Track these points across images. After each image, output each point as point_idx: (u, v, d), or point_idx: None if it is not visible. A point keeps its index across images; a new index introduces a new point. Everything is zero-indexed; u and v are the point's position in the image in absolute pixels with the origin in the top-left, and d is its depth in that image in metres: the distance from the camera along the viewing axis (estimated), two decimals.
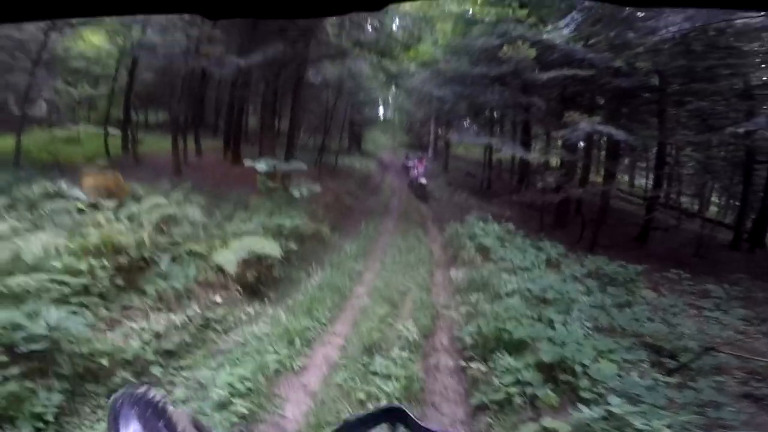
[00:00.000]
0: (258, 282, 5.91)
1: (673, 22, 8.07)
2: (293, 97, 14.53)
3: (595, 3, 8.98)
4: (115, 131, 15.06)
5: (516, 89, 12.78)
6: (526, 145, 16.27)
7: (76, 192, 6.09)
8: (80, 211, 6.20)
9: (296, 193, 7.32)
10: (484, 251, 7.82)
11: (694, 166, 15.67)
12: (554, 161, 11.75)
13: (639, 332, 5.44)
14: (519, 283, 6.12)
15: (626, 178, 23.59)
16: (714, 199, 18.63)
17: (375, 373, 4.18)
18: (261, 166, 7.36)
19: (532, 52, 10.23)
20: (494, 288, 6.04)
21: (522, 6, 11.53)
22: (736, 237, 13.85)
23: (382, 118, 32.54)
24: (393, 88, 23.76)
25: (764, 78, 11.13)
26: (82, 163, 9.42)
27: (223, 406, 3.38)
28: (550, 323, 5.00)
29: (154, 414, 0.75)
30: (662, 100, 11.78)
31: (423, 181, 16.43)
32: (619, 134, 9.58)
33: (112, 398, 0.78)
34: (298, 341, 4.66)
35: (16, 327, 3.30)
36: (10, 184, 9.20)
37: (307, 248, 7.80)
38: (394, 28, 14.16)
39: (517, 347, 4.51)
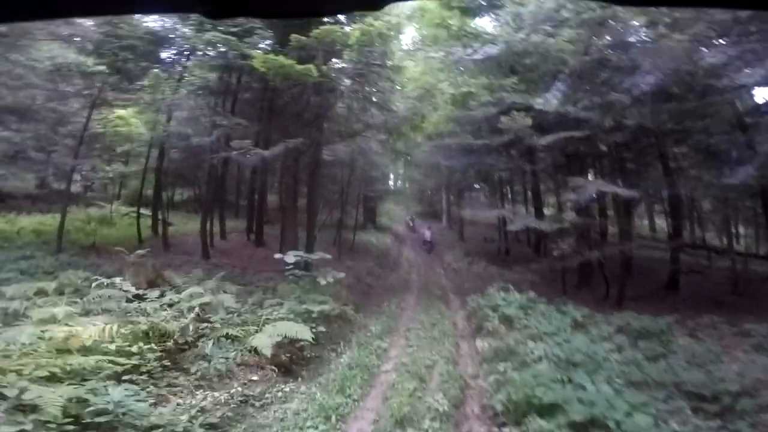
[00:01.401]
0: (291, 362, 6.16)
1: (648, 73, 8.73)
2: (310, 177, 15.47)
3: (571, 70, 9.83)
4: (145, 210, 15.89)
5: (519, 155, 13.54)
6: (537, 208, 16.74)
7: (125, 284, 6.62)
8: (128, 300, 6.68)
9: (322, 281, 7.85)
10: (507, 321, 7.95)
11: (711, 202, 15.51)
12: (567, 224, 12.06)
13: (675, 382, 5.38)
14: (545, 349, 6.22)
15: (645, 222, 23.25)
16: (741, 230, 17.86)
17: None
18: (289, 258, 7.96)
19: (528, 120, 11.00)
20: (521, 356, 6.14)
21: (513, 72, 12.54)
22: None
23: (393, 189, 33.77)
24: (402, 161, 25.01)
25: (743, 109, 11.52)
26: (116, 247, 10.07)
27: None
28: (580, 385, 5.07)
29: None
30: (660, 143, 12.14)
31: (428, 237, 21.92)
32: (624, 192, 9.97)
33: None
34: (333, 417, 4.82)
35: (82, 401, 3.66)
36: (55, 268, 9.88)
37: (334, 329, 8.05)
38: (399, 105, 15.35)
39: (548, 410, 4.58)
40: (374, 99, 13.99)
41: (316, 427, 4.54)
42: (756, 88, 10.62)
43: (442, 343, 7.83)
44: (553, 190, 16.15)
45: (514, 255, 18.93)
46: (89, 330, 4.80)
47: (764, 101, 11.28)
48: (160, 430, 3.85)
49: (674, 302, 11.30)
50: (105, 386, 4.04)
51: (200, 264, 11.77)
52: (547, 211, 18.00)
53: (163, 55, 15.59)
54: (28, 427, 3.26)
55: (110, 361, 4.44)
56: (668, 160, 12.69)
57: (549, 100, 10.01)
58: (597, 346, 6.39)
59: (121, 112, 13.33)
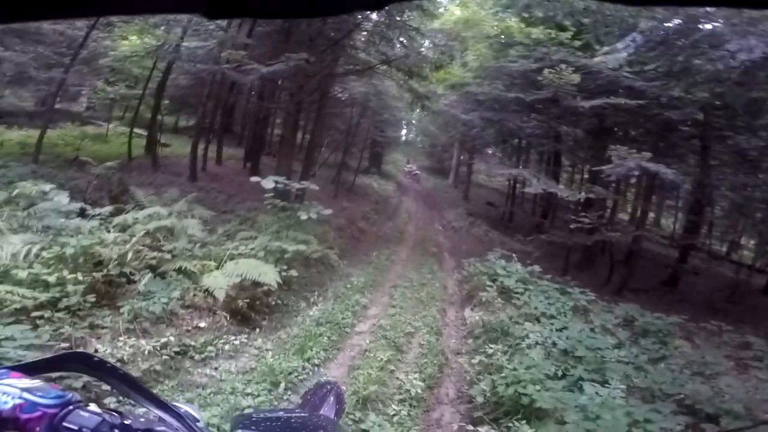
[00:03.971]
0: (250, 308, 5.36)
1: (747, 47, 7.17)
2: (317, 111, 14.27)
3: (657, 24, 8.27)
4: (143, 131, 15.06)
5: (552, 117, 12.13)
6: (555, 177, 15.54)
7: (62, 196, 5.67)
8: (77, 216, 5.80)
9: (304, 216, 6.81)
10: (505, 294, 7.11)
11: (725, 207, 14.72)
12: (584, 198, 10.97)
13: (678, 393, 4.66)
14: (543, 334, 5.43)
15: (651, 216, 22.53)
16: (743, 241, 17.48)
17: (367, 429, 3.55)
18: (267, 183, 6.88)
19: (576, 77, 9.62)
20: (514, 338, 5.34)
21: (564, 29, 10.90)
22: None
23: (404, 139, 32.17)
24: (418, 109, 23.46)
25: None
26: (101, 162, 9.17)
27: None
28: (578, 386, 4.31)
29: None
30: (705, 136, 10.98)
31: (414, 169, 24.99)
32: (668, 173, 8.78)
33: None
34: (282, 384, 4.06)
35: None
36: (21, 178, 9.06)
37: (312, 274, 7.24)
38: (426, 45, 13.65)
39: (537, 415, 3.82)
40: (400, 32, 12.34)
41: (257, 395, 3.76)
42: None
43: (429, 307, 7.05)
44: (580, 161, 14.87)
45: (517, 223, 18.08)
46: (1, 252, 3.92)
47: None
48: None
49: (671, 300, 10.94)
50: None
51: (184, 185, 10.89)
52: (561, 185, 16.88)
53: None
54: None
55: (17, 294, 3.57)
56: (709, 154, 11.43)
57: (616, 53, 8.49)
58: (599, 339, 5.60)
59: (126, 31, 12.35)
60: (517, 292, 7.01)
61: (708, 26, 8.32)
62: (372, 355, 5.03)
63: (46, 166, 10.75)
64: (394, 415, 3.89)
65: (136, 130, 14.18)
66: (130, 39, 12.47)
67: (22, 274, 3.79)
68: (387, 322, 6.13)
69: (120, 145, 14.80)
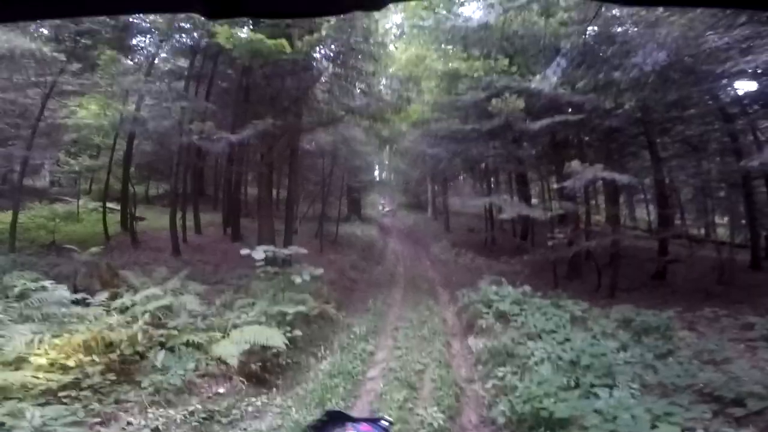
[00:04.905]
0: (263, 370, 5.43)
1: (654, 56, 8.18)
2: (289, 167, 14.60)
3: (575, 46, 9.22)
4: (115, 205, 14.87)
5: (508, 141, 12.94)
6: (525, 196, 16.24)
7: (61, 290, 5.70)
8: (75, 304, 5.81)
9: (298, 280, 7.03)
10: (502, 317, 7.35)
11: (691, 191, 15.55)
12: (560, 212, 11.56)
13: (694, 384, 4.86)
14: (547, 349, 5.64)
15: (626, 211, 23.32)
16: (718, 219, 18.31)
17: None
18: (258, 254, 7.11)
19: (521, 103, 10.39)
20: (520, 358, 5.54)
21: (504, 55, 11.88)
22: (754, 256, 13.26)
23: (378, 180, 32.89)
24: (387, 150, 24.22)
25: (735, 96, 11.27)
26: (78, 245, 9.10)
27: None
28: (592, 392, 4.50)
29: None
30: (649, 132, 11.89)
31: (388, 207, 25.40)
32: (623, 178, 9.47)
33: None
34: None
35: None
36: (5, 269, 8.85)
37: (314, 330, 7.32)
38: (383, 89, 14.42)
39: (561, 425, 3.99)
40: (357, 82, 13.09)
41: None
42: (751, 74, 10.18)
43: (433, 343, 7.17)
44: (543, 177, 15.66)
45: (500, 245, 18.52)
46: (14, 341, 3.96)
47: (746, 91, 10.90)
48: None
49: (664, 293, 11.17)
50: (32, 407, 3.27)
51: (169, 261, 10.88)
52: (534, 201, 17.59)
53: (133, 41, 14.53)
54: None
55: (41, 377, 3.67)
56: (656, 148, 12.38)
57: (548, 78, 9.33)
58: (601, 345, 5.84)
59: (83, 101, 12.40)
60: (513, 314, 7.26)
61: (619, 29, 9.35)
62: (388, 397, 5.12)
63: (23, 253, 10.54)
64: None
65: (107, 205, 14.06)
66: (88, 108, 12.42)
67: (41, 360, 3.90)
68: (396, 363, 6.23)
69: (93, 222, 14.53)
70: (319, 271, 7.68)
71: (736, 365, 5.42)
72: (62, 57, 11.03)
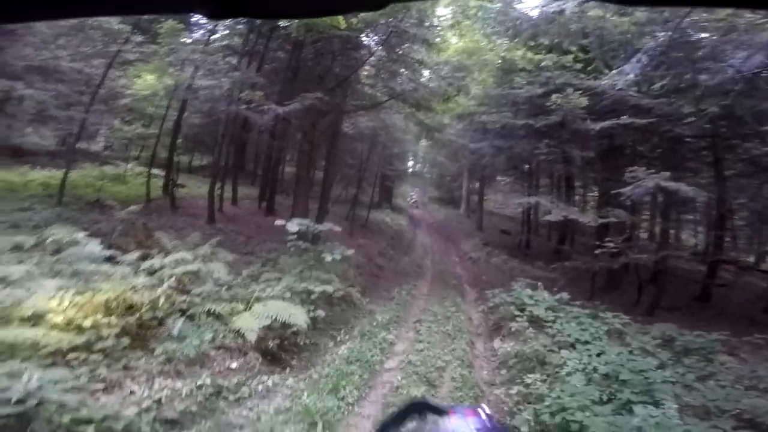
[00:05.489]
0: (280, 349, 5.32)
1: (749, 59, 7.29)
2: (329, 148, 14.52)
3: (660, 44, 8.41)
4: (160, 172, 15.37)
5: (562, 141, 12.19)
6: (570, 200, 15.46)
7: (93, 245, 5.75)
8: (105, 262, 5.89)
9: (328, 258, 6.88)
10: (536, 323, 6.94)
11: (746, 217, 14.40)
12: (608, 220, 10.86)
13: (735, 408, 4.47)
14: (581, 360, 5.24)
15: (672, 231, 22.07)
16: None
17: None
18: (292, 227, 6.99)
19: (583, 101, 9.72)
20: (552, 366, 5.18)
21: (566, 52, 11.13)
22: None
23: (412, 171, 32.43)
24: (425, 140, 23.73)
25: None
26: (121, 204, 9.36)
27: None
28: (628, 408, 4.12)
29: None
30: (717, 146, 10.94)
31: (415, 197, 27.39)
32: (689, 191, 8.70)
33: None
34: (319, 424, 3.95)
35: None
36: (48, 222, 9.26)
37: (336, 313, 7.18)
38: (431, 76, 13.95)
39: None
40: (405, 66, 12.70)
41: (300, 429, 3.70)
42: None
43: (456, 340, 6.88)
44: (595, 181, 14.80)
45: (535, 249, 17.85)
46: (36, 297, 3.97)
47: None
48: (91, 427, 3.02)
49: (707, 316, 10.56)
50: (33, 368, 3.21)
51: (204, 228, 11.03)
52: (581, 203, 16.77)
53: (194, 17, 14.76)
54: None
55: (53, 336, 3.60)
56: (722, 166, 11.36)
57: (624, 74, 8.61)
58: (639, 361, 5.38)
59: (142, 70, 12.78)
60: (548, 321, 6.84)
61: (704, 35, 8.47)
62: (405, 391, 4.90)
63: (69, 208, 10.95)
64: None
65: (152, 170, 14.53)
66: (145, 78, 12.84)
67: (57, 318, 3.83)
68: (416, 357, 5.99)
69: (138, 185, 15.08)
70: (350, 251, 7.53)
71: None
72: (128, 28, 11.34)
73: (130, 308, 4.46)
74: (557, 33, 9.47)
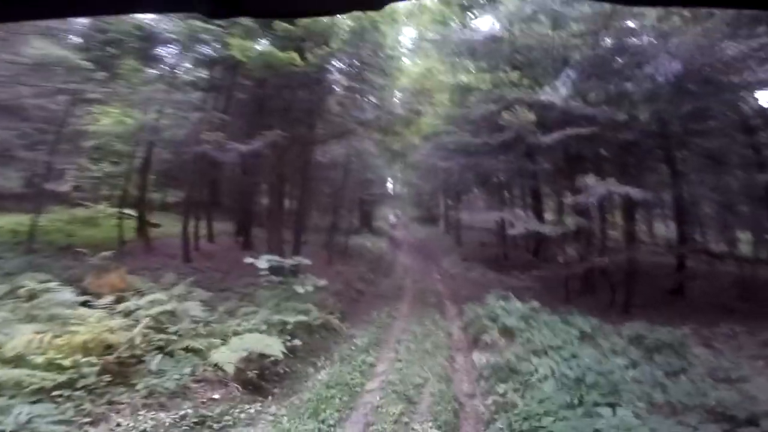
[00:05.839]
0: (260, 378, 5.40)
1: (668, 66, 8.01)
2: (301, 178, 14.72)
3: (585, 57, 9.09)
4: (132, 212, 15.15)
5: (520, 154, 12.76)
6: (537, 211, 16.02)
7: (67, 292, 5.81)
8: (82, 304, 5.92)
9: (300, 290, 7.06)
10: (507, 333, 7.18)
11: (712, 206, 15.10)
12: (571, 228, 11.32)
13: (704, 404, 4.64)
14: (551, 367, 5.47)
15: (644, 227, 22.65)
16: (740, 234, 17.62)
17: None
18: (261, 263, 7.19)
19: (532, 116, 10.27)
20: (523, 375, 5.39)
21: (515, 68, 11.79)
22: None
23: (391, 193, 32.93)
24: (399, 163, 24.27)
25: (756, 108, 10.93)
26: (93, 249, 9.31)
27: None
28: (595, 411, 4.33)
29: None
30: (667, 146, 11.58)
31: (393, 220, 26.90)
32: (636, 193, 9.22)
33: None
34: None
35: None
36: (21, 270, 9.10)
37: (316, 340, 7.29)
38: (394, 102, 14.47)
39: None
40: (368, 95, 13.21)
41: None
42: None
43: (435, 357, 7.06)
44: (556, 192, 15.43)
45: (512, 260, 18.23)
46: (15, 340, 4.03)
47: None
48: None
49: (681, 309, 10.84)
50: (20, 404, 3.31)
51: (179, 267, 11.01)
52: (547, 215, 17.33)
53: (156, 51, 14.99)
54: None
55: (36, 376, 3.72)
56: (675, 162, 12.08)
57: (557, 90, 9.19)
58: (609, 362, 5.65)
59: (107, 109, 12.75)
60: (519, 329, 7.08)
61: (633, 40, 9.16)
62: (385, 410, 5.03)
63: (40, 255, 10.80)
64: None
65: (125, 210, 14.32)
66: (110, 115, 12.73)
67: (39, 359, 3.96)
68: (395, 376, 6.13)
69: (111, 228, 14.78)
70: (322, 282, 7.71)
71: (752, 383, 5.22)
72: (89, 65, 11.42)
73: (109, 348, 4.59)
74: (493, 55, 10.09)
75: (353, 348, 7.35)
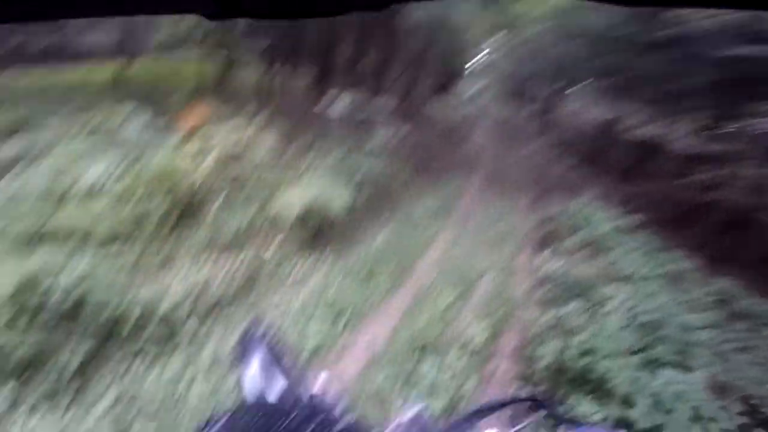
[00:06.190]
0: (319, 230, 5.37)
1: None
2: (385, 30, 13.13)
3: None
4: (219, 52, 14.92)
5: (674, 59, 10.03)
6: (668, 120, 13.42)
7: (145, 125, 5.71)
8: (158, 136, 5.93)
9: (374, 141, 6.54)
10: (590, 246, 6.38)
11: None
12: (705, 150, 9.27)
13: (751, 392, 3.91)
14: (628, 300, 4.78)
15: None
16: None
17: (419, 379, 3.45)
18: (338, 106, 6.65)
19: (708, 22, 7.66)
20: (593, 300, 4.79)
21: None
22: None
23: (479, 66, 29.25)
24: (498, 34, 20.97)
25: None
26: (178, 88, 9.29)
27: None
28: (658, 367, 3.75)
29: (272, 352, 0.97)
30: None
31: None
32: None
33: (240, 334, 1.04)
34: (348, 310, 4.10)
35: (49, 272, 3.01)
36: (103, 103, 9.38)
37: (381, 199, 7.06)
38: None
39: (603, 390, 3.45)
40: None
41: (326, 320, 3.89)
42: None
43: (501, 249, 6.59)
44: (709, 108, 12.55)
45: (613, 165, 16.11)
46: (89, 173, 4.10)
47: None
48: (138, 308, 3.23)
49: None
50: (80, 252, 3.36)
51: (258, 109, 10.84)
52: (678, 127, 14.50)
53: None
54: None
55: (105, 214, 3.74)
56: None
57: None
58: (689, 315, 4.82)
59: None
60: (604, 246, 6.27)
61: None
62: (437, 291, 4.87)
63: (125, 91, 11.06)
64: (449, 364, 3.72)
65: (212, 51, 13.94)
66: None
67: (105, 198, 3.98)
68: (457, 254, 5.90)
69: (197, 67, 14.78)
70: (403, 131, 7.14)
71: None
72: None
73: (177, 185, 4.53)
74: None
75: (418, 213, 7.12)
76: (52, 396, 2.73)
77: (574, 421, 0.79)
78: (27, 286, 2.87)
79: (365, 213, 6.38)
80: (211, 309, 3.77)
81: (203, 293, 3.78)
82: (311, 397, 0.90)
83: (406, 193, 7.77)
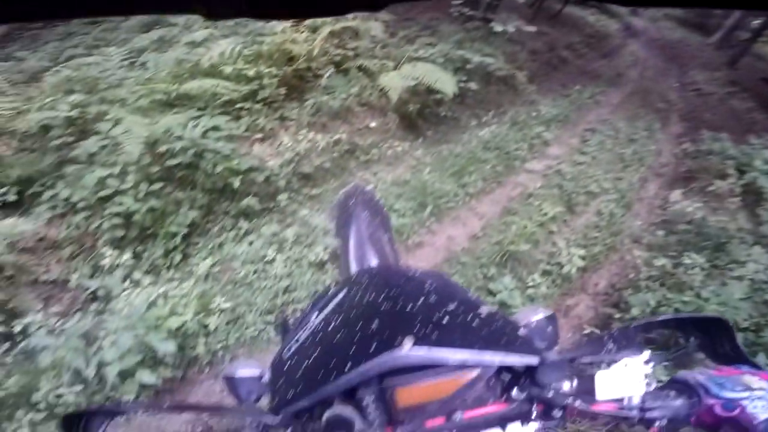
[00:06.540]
0: (419, 115, 5.09)
1: None
2: None
3: None
4: None
5: None
6: None
7: None
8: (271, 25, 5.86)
9: (498, 28, 5.59)
10: (752, 194, 5.15)
11: None
12: None
13: None
14: (763, 271, 3.76)
15: None
16: None
17: (492, 291, 3.23)
18: None
19: None
20: (727, 258, 3.92)
21: None
22: None
23: None
24: None
25: None
26: None
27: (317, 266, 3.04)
28: (758, 353, 3.01)
29: (376, 208, 1.01)
30: None
31: None
32: None
33: (341, 192, 1.07)
34: (429, 208, 3.87)
35: (169, 136, 3.25)
36: None
37: (491, 92, 6.29)
38: None
39: None
40: None
41: (402, 213, 3.77)
42: None
43: (627, 171, 5.65)
44: None
45: None
46: (212, 51, 4.12)
47: None
48: (238, 178, 3.33)
49: None
50: (205, 116, 3.51)
51: None
52: None
53: None
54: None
55: (223, 86, 3.84)
56: None
57: None
58: None
59: None
60: (763, 199, 5.01)
61: None
62: (536, 204, 4.39)
63: None
64: (531, 285, 3.41)
65: None
66: None
67: (228, 69, 4.04)
68: (568, 169, 5.18)
69: None
70: (531, 28, 6.10)
71: None
72: None
73: (290, 59, 4.49)
74: None
75: (533, 115, 6.30)
76: (158, 264, 3.01)
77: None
78: (153, 145, 3.19)
79: (469, 108, 5.79)
80: (306, 180, 3.84)
81: (301, 163, 3.88)
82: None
83: (521, 96, 6.81)
